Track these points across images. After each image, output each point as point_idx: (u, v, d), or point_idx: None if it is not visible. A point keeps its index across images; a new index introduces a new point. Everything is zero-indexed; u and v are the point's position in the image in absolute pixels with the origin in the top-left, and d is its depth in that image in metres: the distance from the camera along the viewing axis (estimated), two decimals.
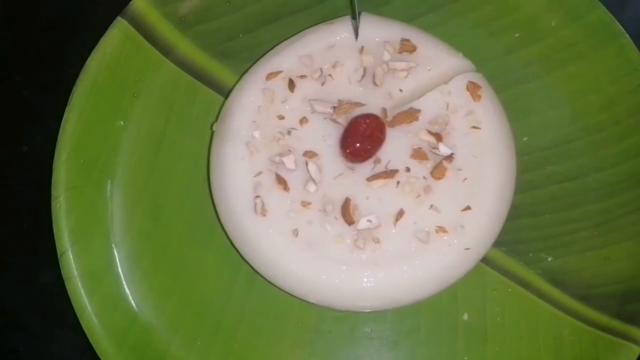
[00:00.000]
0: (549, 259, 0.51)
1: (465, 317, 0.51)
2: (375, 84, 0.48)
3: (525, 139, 0.53)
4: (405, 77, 0.48)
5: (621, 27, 0.52)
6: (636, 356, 0.49)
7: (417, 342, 0.51)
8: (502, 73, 0.53)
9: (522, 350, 0.50)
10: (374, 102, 0.48)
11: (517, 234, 0.51)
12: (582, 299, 0.51)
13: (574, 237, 0.52)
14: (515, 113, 0.51)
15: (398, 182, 0.46)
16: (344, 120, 0.47)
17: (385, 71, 0.48)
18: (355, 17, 0.50)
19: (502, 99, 0.50)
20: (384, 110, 0.47)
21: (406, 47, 0.49)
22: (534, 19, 0.53)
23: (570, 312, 0.50)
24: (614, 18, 0.52)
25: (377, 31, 0.49)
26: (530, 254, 0.52)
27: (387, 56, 0.48)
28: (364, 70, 0.48)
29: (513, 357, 0.50)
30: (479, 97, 0.48)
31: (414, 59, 0.48)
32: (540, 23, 0.53)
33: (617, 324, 0.50)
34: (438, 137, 0.47)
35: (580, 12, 0.52)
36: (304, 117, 0.48)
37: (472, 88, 0.48)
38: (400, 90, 0.48)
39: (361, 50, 0.48)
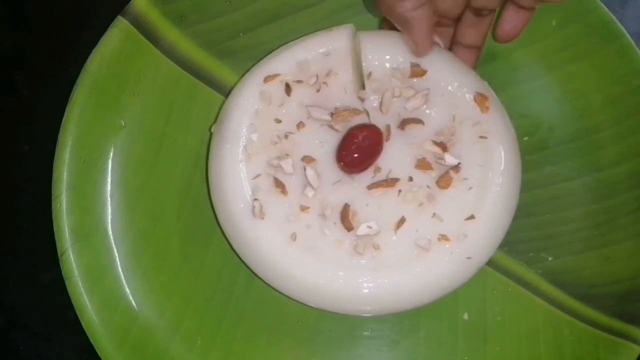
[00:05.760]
0: (549, 259, 0.52)
1: (465, 317, 0.51)
2: (381, 111, 0.48)
3: (525, 138, 0.53)
4: (416, 103, 0.47)
5: (622, 27, 0.52)
6: (637, 356, 0.49)
7: (417, 342, 0.51)
8: (502, 73, 0.53)
9: (522, 350, 0.50)
10: (379, 121, 0.48)
11: (517, 234, 0.51)
12: (582, 298, 0.51)
13: (574, 237, 0.52)
14: (515, 113, 0.51)
15: (400, 191, 0.46)
16: (341, 127, 0.47)
17: (397, 95, 0.47)
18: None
19: (502, 99, 0.50)
20: (388, 127, 0.47)
21: (416, 72, 0.48)
22: (534, 18, 0.53)
23: (571, 311, 0.50)
24: (614, 18, 0.52)
25: (384, 54, 0.48)
26: (531, 254, 0.52)
27: (396, 82, 0.48)
28: (371, 95, 0.48)
29: (513, 357, 0.50)
30: (487, 108, 0.47)
31: (425, 83, 0.48)
32: (541, 23, 0.52)
33: (617, 324, 0.50)
34: (443, 147, 0.46)
35: (580, 12, 0.52)
36: (301, 122, 0.48)
37: (480, 99, 0.47)
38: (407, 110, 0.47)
39: (368, 76, 0.48)
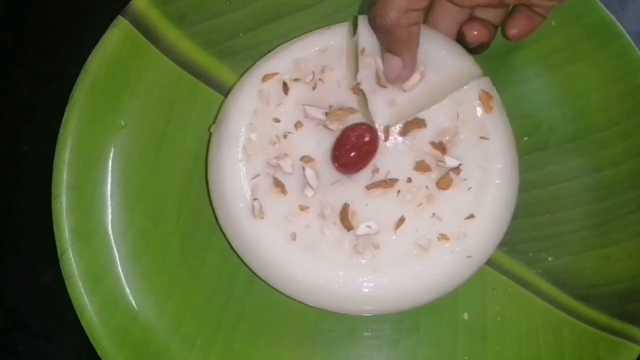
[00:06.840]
0: (549, 259, 0.51)
1: (466, 316, 0.51)
2: (381, 86, 0.47)
3: (525, 138, 0.53)
4: (413, 80, 0.47)
5: (622, 28, 0.52)
6: (637, 356, 0.49)
7: (417, 341, 0.51)
8: (502, 73, 0.53)
9: (522, 350, 0.50)
10: (374, 111, 0.47)
11: (517, 234, 0.51)
12: (582, 298, 0.51)
13: (574, 237, 0.52)
14: (515, 113, 0.51)
15: (398, 191, 0.46)
16: (336, 127, 0.47)
17: None
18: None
19: (502, 99, 0.50)
20: (387, 128, 0.47)
21: None
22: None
23: (571, 311, 0.50)
24: (614, 19, 0.52)
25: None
26: (531, 254, 0.52)
27: None
28: (364, 73, 0.47)
29: (513, 357, 0.50)
30: (491, 108, 0.47)
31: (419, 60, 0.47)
32: None
33: (617, 324, 0.50)
34: (443, 149, 0.46)
35: (580, 13, 0.52)
36: (299, 121, 0.47)
37: (485, 98, 0.47)
38: (404, 91, 0.47)
39: (362, 52, 0.48)
